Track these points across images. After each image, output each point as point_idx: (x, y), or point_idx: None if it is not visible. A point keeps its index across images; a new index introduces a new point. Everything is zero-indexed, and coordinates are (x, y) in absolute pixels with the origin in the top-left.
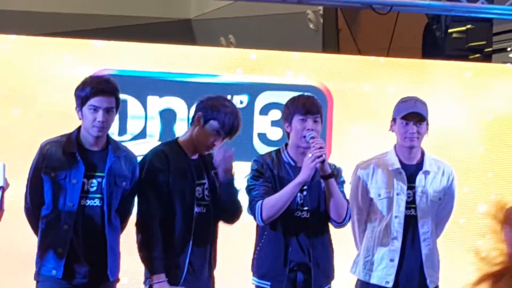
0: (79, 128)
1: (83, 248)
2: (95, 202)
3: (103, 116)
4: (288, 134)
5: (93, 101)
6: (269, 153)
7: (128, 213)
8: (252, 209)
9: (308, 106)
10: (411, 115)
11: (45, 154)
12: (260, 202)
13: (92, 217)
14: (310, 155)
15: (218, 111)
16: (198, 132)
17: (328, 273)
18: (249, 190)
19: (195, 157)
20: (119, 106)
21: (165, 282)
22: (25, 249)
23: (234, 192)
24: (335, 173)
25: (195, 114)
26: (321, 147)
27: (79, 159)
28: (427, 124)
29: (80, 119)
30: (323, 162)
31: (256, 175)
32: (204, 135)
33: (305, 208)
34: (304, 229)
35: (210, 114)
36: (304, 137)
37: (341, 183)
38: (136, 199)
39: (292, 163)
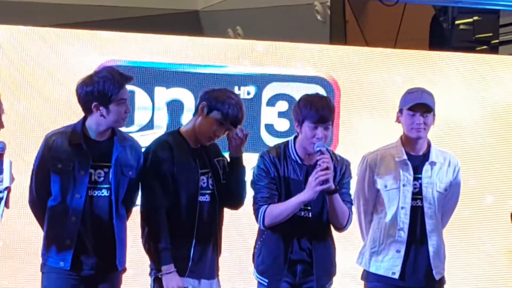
0: (84, 119)
1: (91, 239)
2: (102, 193)
3: (128, 105)
4: (298, 133)
5: (121, 95)
6: (277, 148)
7: (134, 202)
8: (255, 211)
9: (320, 113)
10: (418, 106)
11: (51, 146)
12: (264, 208)
13: (100, 207)
14: (315, 177)
15: (223, 102)
16: (201, 121)
17: (329, 272)
18: (253, 187)
19: (197, 146)
20: None
21: (175, 273)
22: (33, 242)
23: (241, 172)
24: (343, 169)
25: (199, 104)
26: (327, 168)
27: (85, 150)
28: (434, 115)
29: (102, 115)
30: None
31: (262, 174)
32: (207, 125)
33: (308, 208)
34: (305, 229)
35: (214, 105)
36: (313, 143)
37: (347, 183)
38: (140, 189)
39: (299, 161)
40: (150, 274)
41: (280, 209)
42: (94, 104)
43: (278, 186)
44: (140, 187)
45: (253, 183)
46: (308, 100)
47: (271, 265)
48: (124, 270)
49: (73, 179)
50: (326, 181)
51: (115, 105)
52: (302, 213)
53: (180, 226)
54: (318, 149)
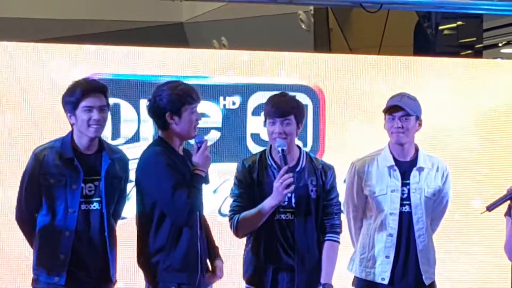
0: (72, 132)
1: (85, 253)
2: (94, 206)
3: (98, 114)
4: None
5: (85, 102)
6: (254, 156)
7: (121, 214)
8: (229, 220)
9: (276, 108)
10: (394, 109)
11: (41, 161)
12: (236, 217)
13: (93, 221)
14: (279, 182)
15: (180, 98)
16: (178, 126)
17: (315, 276)
18: (231, 197)
19: (181, 152)
20: (109, 105)
21: None
22: (21, 257)
23: None
24: (326, 170)
25: (161, 115)
26: (287, 172)
27: (77, 164)
28: (418, 119)
29: (73, 124)
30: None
31: (236, 183)
32: (185, 123)
33: (289, 210)
34: (288, 232)
35: (177, 107)
36: (274, 139)
37: (333, 190)
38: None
39: (275, 165)
40: None
41: (251, 217)
42: (67, 114)
43: (253, 193)
44: (140, 200)
45: (230, 193)
46: (269, 99)
47: (255, 271)
48: (115, 282)
49: (65, 193)
50: (290, 185)
51: (80, 112)
52: (283, 216)
53: (182, 239)
54: (279, 148)
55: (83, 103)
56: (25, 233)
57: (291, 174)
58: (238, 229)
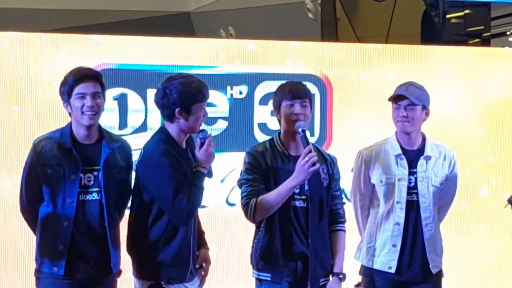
0: (71, 123)
1: (85, 243)
2: (93, 196)
3: (91, 101)
4: (280, 121)
5: (78, 89)
6: (263, 143)
7: (126, 204)
8: (244, 206)
9: (294, 90)
10: (400, 98)
11: (40, 151)
12: (254, 201)
13: (92, 211)
14: (306, 158)
15: (192, 95)
16: (185, 122)
17: (325, 266)
18: (241, 184)
19: (184, 145)
20: (105, 91)
21: None
22: (24, 247)
23: None
24: (334, 160)
25: (170, 109)
26: (310, 151)
27: (75, 154)
28: (425, 109)
29: (70, 113)
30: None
31: (249, 168)
32: (194, 120)
33: (303, 197)
34: (302, 218)
35: (189, 104)
36: (293, 121)
37: (337, 183)
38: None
39: (286, 152)
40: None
41: (270, 198)
42: (64, 104)
43: (267, 178)
44: (139, 192)
45: (240, 180)
46: (282, 85)
47: (270, 259)
48: (119, 272)
49: (63, 184)
50: (315, 163)
51: (73, 100)
52: (297, 203)
53: (181, 232)
54: (300, 129)
55: (76, 90)
56: (29, 223)
57: (315, 153)
58: (255, 213)
